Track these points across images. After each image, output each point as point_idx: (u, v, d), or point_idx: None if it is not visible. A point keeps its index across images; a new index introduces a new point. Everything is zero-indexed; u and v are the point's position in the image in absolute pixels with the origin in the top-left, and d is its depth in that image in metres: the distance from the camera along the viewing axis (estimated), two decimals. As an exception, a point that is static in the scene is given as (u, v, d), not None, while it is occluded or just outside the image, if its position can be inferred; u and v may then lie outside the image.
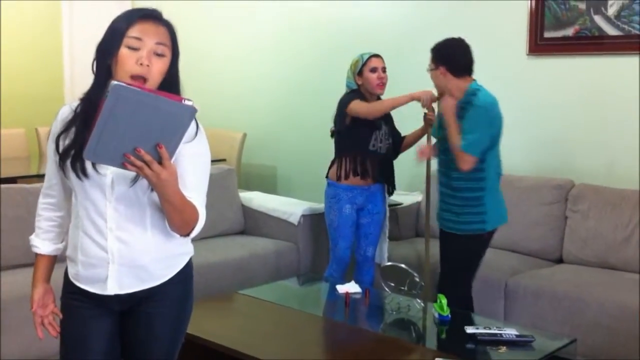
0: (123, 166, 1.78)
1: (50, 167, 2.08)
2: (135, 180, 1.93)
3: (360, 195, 4.01)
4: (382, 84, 3.99)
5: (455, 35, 3.64)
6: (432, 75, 3.63)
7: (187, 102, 1.74)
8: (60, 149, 1.99)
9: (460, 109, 3.48)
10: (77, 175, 1.95)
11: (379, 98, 4.05)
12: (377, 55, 4.04)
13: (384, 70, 4.01)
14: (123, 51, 1.91)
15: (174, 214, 1.92)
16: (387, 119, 4.06)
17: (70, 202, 2.11)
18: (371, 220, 4.06)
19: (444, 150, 3.61)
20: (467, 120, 3.43)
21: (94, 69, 1.98)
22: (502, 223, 3.64)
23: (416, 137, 4.08)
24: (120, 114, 1.69)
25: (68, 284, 2.10)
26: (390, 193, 4.21)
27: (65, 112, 2.03)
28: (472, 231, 3.53)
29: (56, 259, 2.19)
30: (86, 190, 1.98)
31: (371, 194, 4.05)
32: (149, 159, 1.76)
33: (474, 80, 3.56)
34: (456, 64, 3.55)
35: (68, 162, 1.96)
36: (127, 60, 1.90)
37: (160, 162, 1.77)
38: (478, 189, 3.50)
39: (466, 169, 3.43)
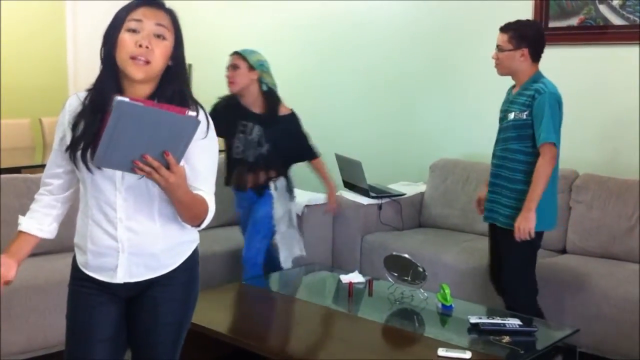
0: (132, 171, 1.84)
1: (54, 156, 2.09)
2: None
3: (242, 200, 3.97)
4: (232, 82, 3.84)
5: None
6: (506, 56, 3.37)
7: (190, 114, 1.80)
8: (69, 140, 1.99)
9: (530, 97, 3.32)
10: (88, 168, 1.96)
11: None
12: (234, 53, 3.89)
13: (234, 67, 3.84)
14: (123, 35, 1.93)
15: (184, 211, 1.98)
16: (266, 124, 3.83)
17: (70, 191, 2.13)
18: (251, 223, 3.91)
19: (498, 142, 3.48)
20: (538, 108, 3.28)
21: (102, 57, 1.99)
22: (550, 228, 3.50)
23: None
24: (124, 126, 1.75)
25: (76, 271, 2.12)
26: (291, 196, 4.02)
27: (74, 103, 2.03)
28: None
29: (35, 242, 2.11)
30: (96, 182, 1.99)
31: (250, 198, 3.93)
32: (156, 164, 1.81)
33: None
34: (539, 49, 3.40)
35: (78, 154, 1.96)
36: (127, 43, 1.92)
37: (168, 167, 1.82)
38: (527, 181, 3.33)
39: (552, 161, 3.27)
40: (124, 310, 2.13)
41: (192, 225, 2.06)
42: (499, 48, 3.40)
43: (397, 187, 4.91)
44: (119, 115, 1.73)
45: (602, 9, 4.34)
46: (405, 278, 3.44)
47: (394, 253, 3.59)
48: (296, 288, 3.81)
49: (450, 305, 3.25)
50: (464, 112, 4.96)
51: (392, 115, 5.42)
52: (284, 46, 6.07)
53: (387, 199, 4.67)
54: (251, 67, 3.82)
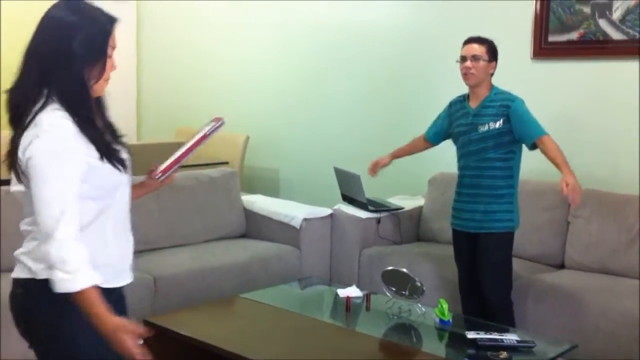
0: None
1: (76, 188, 1.87)
2: None
3: None
4: None
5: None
6: (484, 67, 3.58)
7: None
8: (89, 158, 1.91)
9: (502, 107, 3.55)
10: (125, 167, 2.03)
11: None
12: None
13: None
14: (109, 59, 2.00)
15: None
16: None
17: None
18: None
19: (471, 154, 3.63)
20: (517, 113, 3.51)
21: (95, 74, 1.97)
22: (518, 225, 3.70)
23: None
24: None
25: None
26: None
27: (70, 126, 1.89)
28: (504, 229, 3.59)
29: None
30: (126, 187, 2.06)
31: None
32: None
33: None
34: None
35: (114, 162, 1.97)
36: (110, 67, 2.01)
37: None
38: (509, 186, 3.59)
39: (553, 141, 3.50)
40: None
41: None
42: (478, 58, 3.57)
43: (395, 200, 4.89)
44: (213, 132, 2.17)
45: (602, 23, 4.35)
46: (403, 292, 3.43)
47: (392, 267, 3.57)
48: (294, 302, 3.79)
49: (448, 321, 3.23)
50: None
51: (391, 128, 5.41)
52: (283, 58, 6.09)
53: (386, 213, 4.66)
54: None
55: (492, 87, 3.65)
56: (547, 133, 3.50)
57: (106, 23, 1.97)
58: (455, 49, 3.82)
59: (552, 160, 3.46)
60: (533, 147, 3.53)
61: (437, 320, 3.25)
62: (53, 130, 1.87)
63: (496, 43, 3.69)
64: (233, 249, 4.48)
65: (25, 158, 1.86)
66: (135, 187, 2.18)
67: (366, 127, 5.55)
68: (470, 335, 3.00)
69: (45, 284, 1.88)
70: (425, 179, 4.89)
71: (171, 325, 3.11)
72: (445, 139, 3.91)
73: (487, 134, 3.56)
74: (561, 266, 4.22)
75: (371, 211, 4.60)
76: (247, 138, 6.08)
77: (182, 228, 4.49)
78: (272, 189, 6.07)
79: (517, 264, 4.09)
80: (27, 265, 1.98)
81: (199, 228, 4.56)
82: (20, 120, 1.91)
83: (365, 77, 5.55)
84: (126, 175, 2.04)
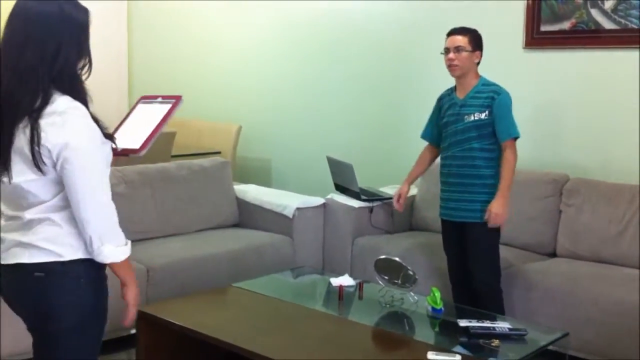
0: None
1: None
2: None
3: None
4: None
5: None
6: (467, 57, 3.58)
7: None
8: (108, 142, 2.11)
9: (488, 98, 3.56)
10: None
11: None
12: None
13: None
14: None
15: None
16: None
17: None
18: None
19: (457, 143, 3.63)
20: (500, 107, 3.54)
21: (87, 69, 2.09)
22: None
23: None
24: None
25: (99, 272, 2.16)
26: None
27: (85, 109, 2.04)
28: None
29: None
30: None
31: None
32: None
33: None
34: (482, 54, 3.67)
35: (113, 140, 2.13)
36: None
37: None
38: (495, 175, 3.59)
39: (516, 153, 3.58)
40: None
41: None
42: (461, 49, 3.57)
43: (388, 190, 4.89)
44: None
45: (594, 13, 4.35)
46: (396, 281, 3.44)
47: (385, 256, 3.58)
48: (286, 291, 3.80)
49: (440, 309, 3.24)
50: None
51: (383, 117, 5.42)
52: (278, 49, 6.07)
53: (379, 202, 4.67)
54: None
55: (479, 77, 3.66)
56: (519, 135, 3.57)
57: (84, 16, 2.07)
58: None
59: (501, 172, 3.55)
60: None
61: (430, 308, 3.26)
62: (78, 114, 2.00)
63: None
64: (226, 238, 4.48)
65: (59, 145, 1.96)
66: None
67: (359, 117, 5.55)
68: (463, 323, 3.01)
69: (69, 264, 2.08)
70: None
71: (164, 315, 3.12)
72: None
73: (472, 124, 3.58)
74: (553, 255, 4.23)
75: (364, 200, 4.61)
76: (240, 128, 6.08)
77: (174, 218, 4.49)
78: (264, 179, 6.07)
79: (508, 253, 4.11)
80: (49, 249, 2.06)
81: (191, 217, 4.56)
82: (22, 113, 1.97)
83: (359, 67, 5.55)
84: None
